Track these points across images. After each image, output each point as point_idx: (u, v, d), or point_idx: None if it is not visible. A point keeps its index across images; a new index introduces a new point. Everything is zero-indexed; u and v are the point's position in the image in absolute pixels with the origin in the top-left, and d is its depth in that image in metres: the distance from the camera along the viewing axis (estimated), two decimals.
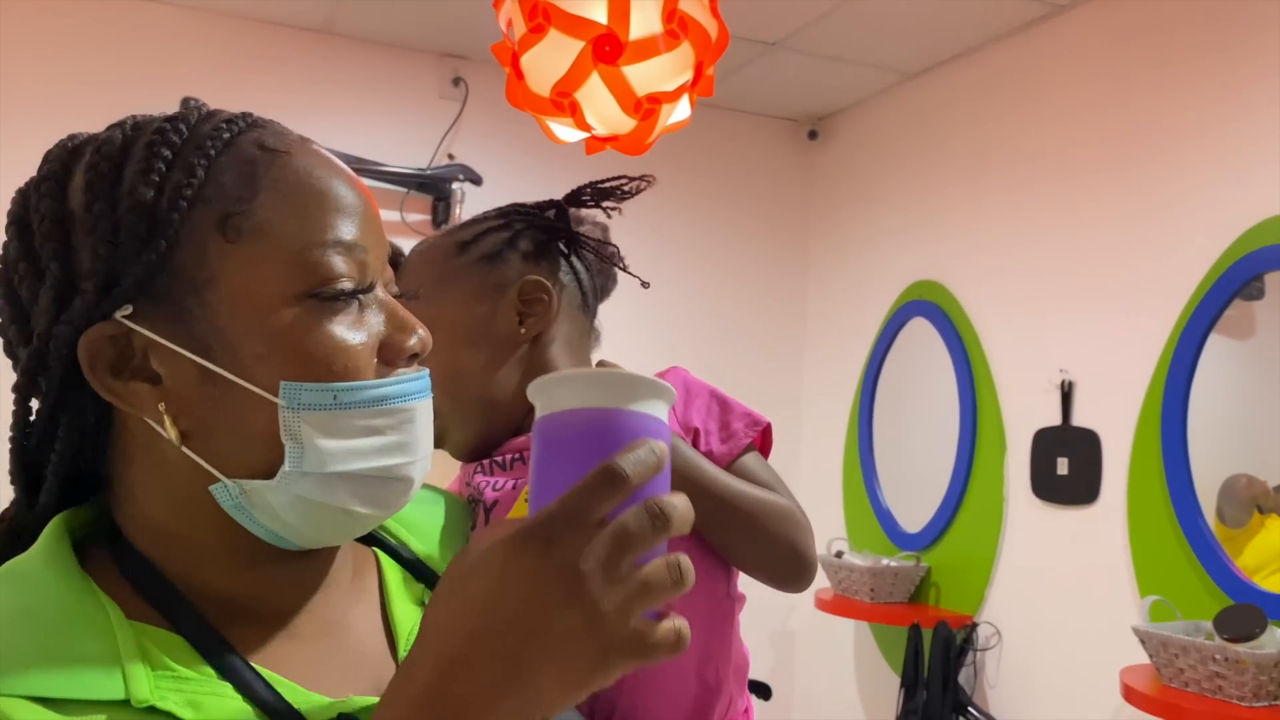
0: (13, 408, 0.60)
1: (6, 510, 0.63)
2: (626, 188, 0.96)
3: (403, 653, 0.64)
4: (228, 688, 0.55)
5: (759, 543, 0.87)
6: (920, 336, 3.25)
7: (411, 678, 0.49)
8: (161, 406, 0.57)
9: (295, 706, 0.56)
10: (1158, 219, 2.52)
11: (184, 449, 0.57)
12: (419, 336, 0.62)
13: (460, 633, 0.48)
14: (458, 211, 3.23)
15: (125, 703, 0.52)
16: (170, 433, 0.57)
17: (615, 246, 0.99)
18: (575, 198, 0.99)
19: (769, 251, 3.82)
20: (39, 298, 0.58)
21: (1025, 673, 2.80)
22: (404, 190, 3.22)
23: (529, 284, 0.91)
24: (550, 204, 1.00)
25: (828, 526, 3.52)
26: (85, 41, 2.93)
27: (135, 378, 0.58)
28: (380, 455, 0.59)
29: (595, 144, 2.01)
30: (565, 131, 1.99)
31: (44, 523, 0.60)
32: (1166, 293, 2.47)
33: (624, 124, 1.92)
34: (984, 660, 2.91)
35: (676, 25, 1.84)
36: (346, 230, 0.61)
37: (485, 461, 0.88)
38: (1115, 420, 2.59)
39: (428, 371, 0.64)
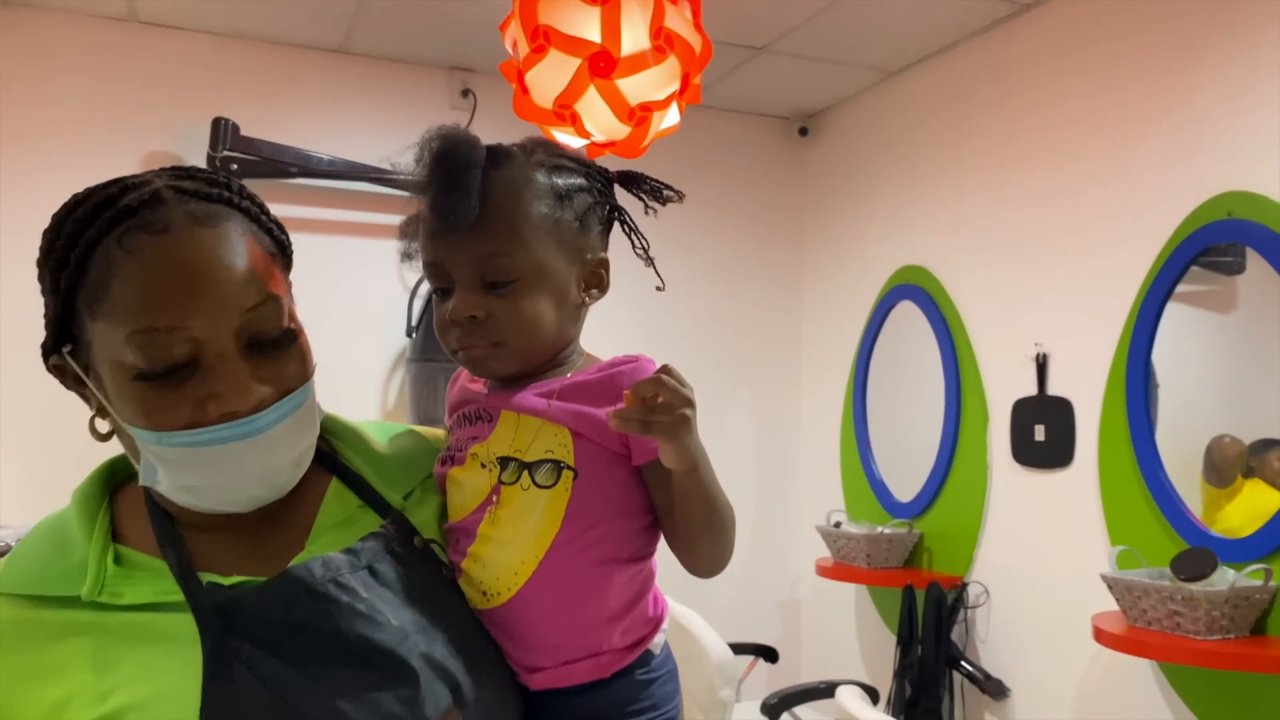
0: None
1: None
2: (667, 193, 1.02)
3: (298, 557, 0.83)
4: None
5: (719, 548, 0.92)
6: (908, 318, 3.46)
7: None
8: (92, 409, 0.83)
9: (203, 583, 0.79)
10: (1118, 200, 2.73)
11: (106, 431, 0.83)
12: (226, 402, 0.77)
13: None
14: None
15: (77, 598, 0.77)
16: (96, 426, 0.83)
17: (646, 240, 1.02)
18: (631, 181, 1.00)
19: (766, 243, 4.03)
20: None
21: (1012, 626, 3.01)
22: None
23: (603, 263, 0.96)
24: (610, 175, 1.01)
25: (827, 499, 3.74)
26: (123, 69, 3.16)
27: (81, 385, 0.82)
28: (207, 475, 0.79)
29: (595, 149, 2.23)
30: (568, 139, 2.20)
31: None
32: (1127, 268, 2.67)
33: (620, 131, 2.14)
34: (974, 617, 3.11)
35: (663, 41, 2.06)
36: (162, 320, 0.75)
37: (461, 413, 0.96)
38: (1086, 388, 2.79)
39: (262, 415, 0.79)
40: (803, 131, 4.03)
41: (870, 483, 3.56)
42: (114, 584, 0.78)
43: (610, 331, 3.67)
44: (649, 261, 1.01)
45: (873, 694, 2.78)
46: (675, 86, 2.13)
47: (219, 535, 0.83)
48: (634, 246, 1.01)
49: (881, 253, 3.61)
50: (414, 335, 3.33)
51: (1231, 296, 2.57)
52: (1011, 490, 3.04)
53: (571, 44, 2.02)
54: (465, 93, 3.54)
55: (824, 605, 3.74)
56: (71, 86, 3.10)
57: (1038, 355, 2.93)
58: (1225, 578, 2.24)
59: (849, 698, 2.08)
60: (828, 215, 3.95)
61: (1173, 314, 2.58)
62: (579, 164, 0.97)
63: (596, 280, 0.97)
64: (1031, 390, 2.95)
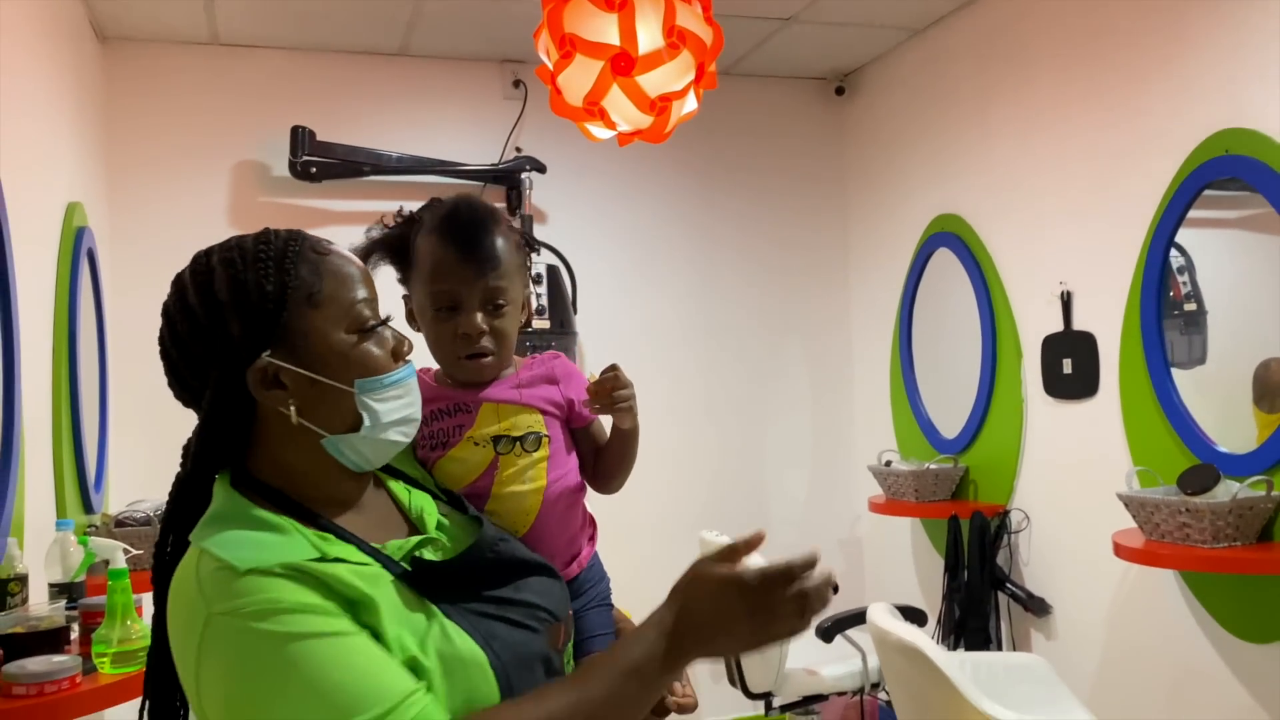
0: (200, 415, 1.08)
1: (179, 474, 1.07)
2: (535, 243, 1.44)
3: (429, 525, 1.11)
4: (349, 546, 1.04)
5: (627, 476, 1.40)
6: (945, 264, 3.65)
7: (661, 621, 0.96)
8: (290, 402, 1.02)
9: (376, 547, 1.05)
10: (1128, 143, 2.88)
11: (303, 422, 1.02)
12: (408, 344, 1.10)
13: (692, 610, 0.95)
14: (528, 197, 3.73)
15: (320, 559, 0.96)
16: (294, 417, 1.02)
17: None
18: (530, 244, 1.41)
19: (811, 200, 4.23)
20: (207, 350, 1.01)
21: (1051, 549, 3.21)
22: (480, 184, 3.75)
23: (530, 296, 1.36)
24: (527, 240, 1.39)
25: (880, 439, 3.96)
26: (211, 88, 3.52)
27: (273, 388, 1.02)
28: (404, 408, 1.07)
29: (624, 138, 2.48)
30: (599, 131, 2.46)
31: (201, 477, 1.05)
32: (1138, 208, 2.83)
33: (644, 121, 2.38)
34: (1016, 542, 3.32)
35: (676, 38, 2.30)
36: (365, 294, 1.06)
37: (435, 409, 1.27)
38: (1106, 321, 2.96)
39: (413, 363, 1.10)
40: (839, 91, 4.21)
41: (918, 421, 3.77)
42: (324, 546, 0.98)
43: (678, 291, 3.93)
44: (534, 247, 1.40)
45: (920, 616, 3.03)
46: (691, 76, 2.37)
47: (351, 519, 1.06)
48: (533, 252, 1.39)
49: (919, 203, 3.79)
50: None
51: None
52: (1045, 421, 3.23)
53: (594, 49, 2.27)
54: (517, 83, 3.81)
55: (881, 538, 3.98)
56: (167, 108, 3.47)
57: (1063, 293, 3.11)
58: (1229, 490, 2.41)
59: (877, 612, 2.34)
60: (867, 170, 4.13)
61: (1222, 238, 2.70)
62: (521, 229, 1.37)
63: (527, 305, 1.34)
64: (1059, 327, 3.13)
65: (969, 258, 3.51)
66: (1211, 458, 2.60)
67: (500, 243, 1.26)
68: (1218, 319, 2.74)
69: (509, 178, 3.75)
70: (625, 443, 1.36)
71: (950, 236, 3.60)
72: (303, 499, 1.03)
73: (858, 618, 3.03)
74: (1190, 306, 2.79)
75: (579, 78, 2.33)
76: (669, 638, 0.95)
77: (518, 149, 3.80)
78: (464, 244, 1.24)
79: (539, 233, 3.76)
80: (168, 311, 1.04)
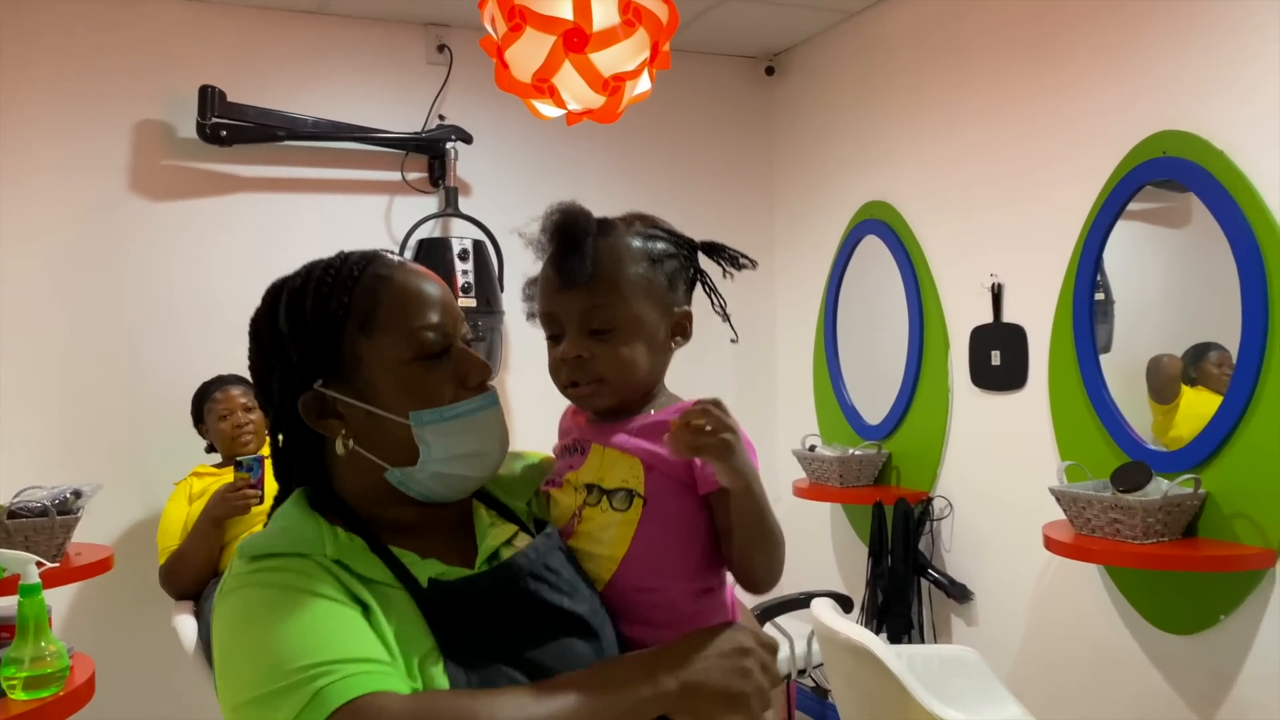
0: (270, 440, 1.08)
1: (277, 496, 1.08)
2: (743, 261, 1.22)
3: (480, 555, 1.03)
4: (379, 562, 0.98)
5: (772, 562, 1.08)
6: (874, 252, 3.64)
7: (649, 653, 0.98)
8: (343, 433, 1.00)
9: (408, 569, 0.98)
10: (1064, 139, 2.90)
11: (359, 450, 1.00)
12: (484, 375, 1.04)
13: (682, 648, 0.97)
14: (453, 168, 3.58)
15: (306, 555, 0.95)
16: (341, 450, 1.00)
17: (724, 300, 1.22)
18: (712, 250, 1.21)
19: (738, 180, 4.18)
20: (273, 375, 1.02)
21: (974, 536, 3.26)
22: (402, 153, 3.59)
23: (687, 315, 1.17)
24: (692, 243, 1.20)
25: (802, 424, 3.97)
26: (111, 41, 3.26)
27: (327, 417, 1.00)
28: (474, 442, 1.02)
29: (574, 117, 2.38)
30: (548, 109, 2.36)
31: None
32: (1073, 204, 2.86)
33: (595, 100, 2.29)
34: (939, 529, 3.37)
35: (632, 15, 2.20)
36: (431, 316, 1.01)
37: (563, 444, 1.17)
38: (1037, 315, 3.00)
39: (493, 390, 1.05)
40: (769, 71, 4.16)
41: (842, 407, 3.78)
42: (348, 555, 0.96)
43: None
44: (725, 318, 1.21)
45: (846, 603, 3.05)
46: (645, 55, 2.28)
47: (410, 542, 1.01)
48: (713, 305, 1.22)
49: (848, 189, 3.78)
50: None
51: (1186, 212, 2.73)
52: (971, 412, 3.27)
53: (546, 22, 2.16)
54: (441, 48, 3.65)
55: (802, 523, 3.99)
56: (61, 61, 3.20)
57: (993, 285, 3.13)
58: (1159, 487, 2.47)
59: (823, 609, 2.32)
60: (796, 153, 4.10)
61: (1130, 231, 2.74)
62: (669, 234, 1.18)
63: (681, 330, 1.17)
64: (988, 318, 3.16)
65: (898, 246, 3.51)
66: (1138, 454, 2.65)
67: (604, 255, 1.09)
68: (1122, 309, 2.81)
69: (432, 147, 3.60)
70: (737, 510, 1.03)
71: (879, 224, 3.60)
72: (371, 521, 1.01)
73: (787, 605, 3.03)
74: (1099, 296, 2.85)
75: (529, 52, 2.22)
76: (651, 658, 0.97)
77: (441, 117, 3.65)
78: (555, 258, 1.10)
79: (464, 205, 3.62)
80: (250, 332, 1.06)
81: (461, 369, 1.02)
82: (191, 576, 2.92)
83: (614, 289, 1.09)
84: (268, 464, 2.91)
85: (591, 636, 1.00)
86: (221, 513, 2.89)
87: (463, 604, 0.95)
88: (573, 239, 1.09)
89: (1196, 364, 2.67)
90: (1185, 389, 2.70)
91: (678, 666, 0.94)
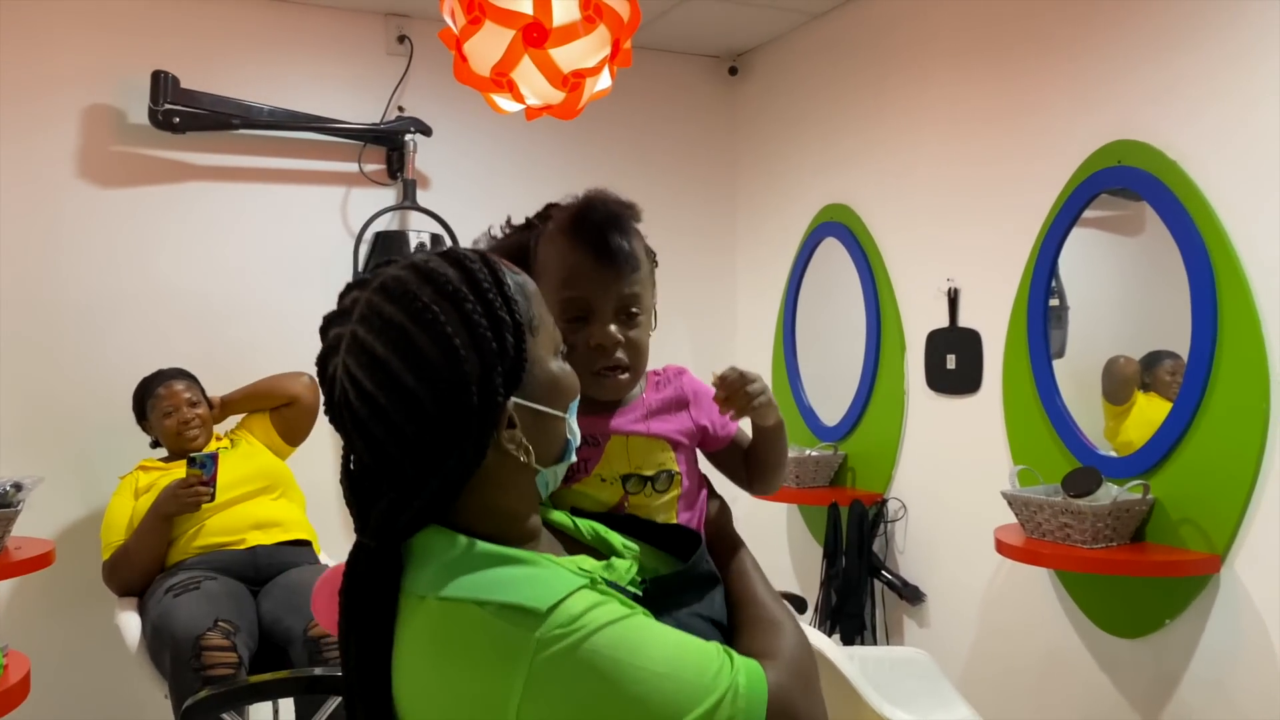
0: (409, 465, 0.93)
1: (361, 546, 0.92)
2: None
3: (627, 555, 1.06)
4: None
5: (784, 471, 1.29)
6: (833, 254, 3.65)
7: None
8: (521, 438, 0.92)
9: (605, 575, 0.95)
10: (1022, 147, 2.92)
11: (527, 457, 0.92)
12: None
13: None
14: (411, 160, 3.54)
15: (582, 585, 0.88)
16: (525, 458, 0.92)
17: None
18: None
19: (700, 181, 4.17)
20: (447, 406, 0.87)
21: (927, 539, 3.28)
22: (360, 144, 3.54)
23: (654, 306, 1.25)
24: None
25: None
26: (60, 22, 3.18)
27: (508, 427, 0.91)
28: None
29: (533, 112, 2.36)
30: (506, 103, 2.33)
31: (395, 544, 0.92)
32: (1029, 211, 2.88)
33: (555, 96, 2.27)
34: (893, 530, 3.38)
35: (593, 11, 2.18)
36: (554, 307, 1.02)
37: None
38: (992, 320, 3.02)
39: None
40: (732, 71, 4.15)
41: (799, 408, 3.79)
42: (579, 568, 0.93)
43: None
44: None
45: (800, 603, 3.06)
46: (606, 53, 2.26)
47: (552, 549, 1.01)
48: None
49: (809, 190, 3.78)
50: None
51: (1140, 220, 2.77)
52: (926, 415, 3.29)
53: (506, 16, 2.14)
54: (401, 39, 3.60)
55: (757, 523, 3.99)
56: (8, 40, 3.12)
57: (949, 290, 3.15)
58: (1109, 493, 2.50)
59: None
60: (758, 153, 4.10)
61: (1085, 238, 2.77)
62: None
63: (655, 321, 1.23)
64: (944, 322, 3.18)
65: (857, 249, 3.52)
66: (1090, 459, 2.68)
67: (638, 245, 1.15)
68: (1077, 315, 2.84)
69: (390, 139, 3.55)
70: (772, 440, 1.23)
71: (839, 226, 3.61)
72: (511, 540, 0.93)
73: None
74: (1054, 302, 2.87)
75: (487, 46, 2.19)
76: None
77: (400, 108, 3.60)
78: (600, 244, 1.10)
79: (422, 198, 3.58)
80: (377, 373, 0.88)
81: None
82: (137, 573, 2.86)
83: (640, 277, 1.14)
84: (221, 461, 2.86)
85: (719, 585, 1.10)
86: (172, 509, 2.82)
87: (671, 594, 1.00)
88: (621, 224, 1.13)
89: (1150, 370, 2.70)
90: (1139, 394, 2.74)
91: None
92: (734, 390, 1.14)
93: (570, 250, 1.12)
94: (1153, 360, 2.68)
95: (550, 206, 1.19)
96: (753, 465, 1.26)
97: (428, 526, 0.91)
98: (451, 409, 0.87)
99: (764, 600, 1.08)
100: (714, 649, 0.90)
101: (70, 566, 2.97)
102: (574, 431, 0.99)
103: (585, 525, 1.08)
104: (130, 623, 2.75)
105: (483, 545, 0.89)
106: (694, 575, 1.05)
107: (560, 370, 0.97)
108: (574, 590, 0.86)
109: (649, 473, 1.14)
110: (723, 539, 1.17)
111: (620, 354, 1.13)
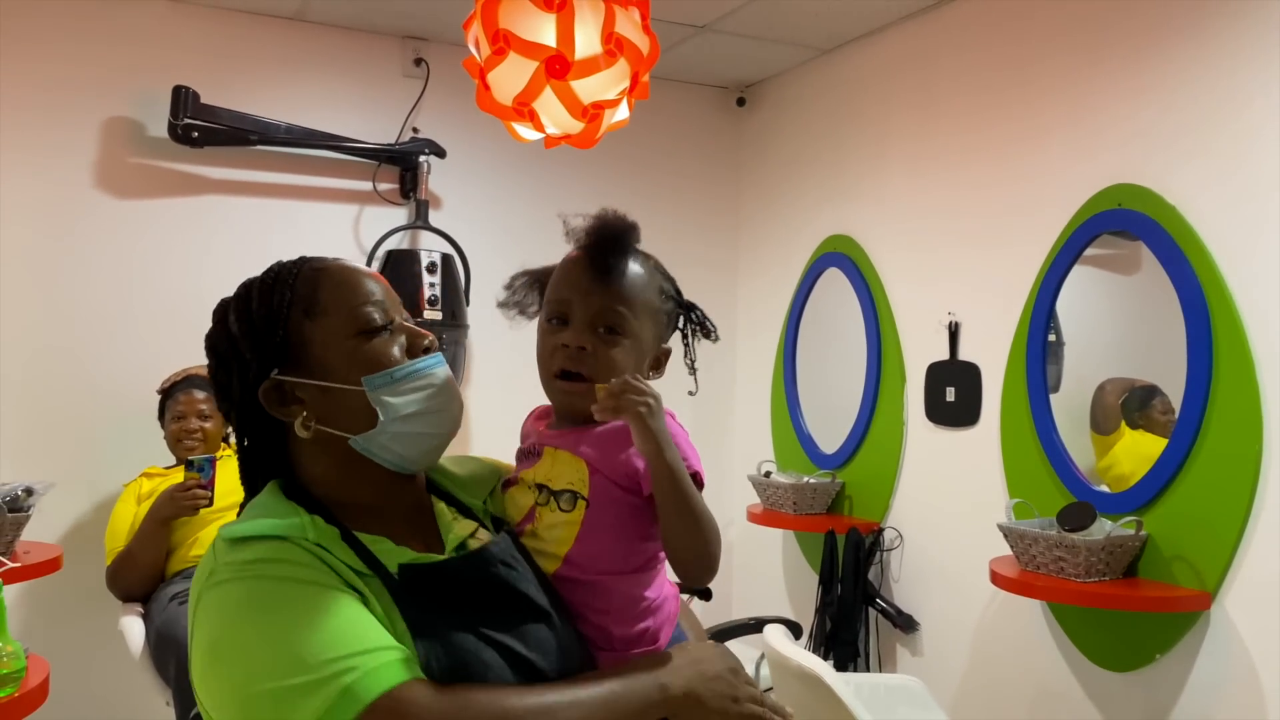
0: (233, 436, 1.14)
1: (246, 494, 1.12)
2: (711, 329, 1.31)
3: (448, 545, 1.09)
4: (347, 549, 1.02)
5: (699, 543, 1.11)
6: (835, 285, 3.71)
7: (650, 659, 1.08)
8: (304, 414, 1.06)
9: (376, 554, 1.01)
10: (1024, 187, 2.99)
11: (322, 428, 1.06)
12: (429, 340, 1.12)
13: (684, 664, 1.07)
14: (425, 181, 3.60)
15: (286, 537, 0.99)
16: (302, 431, 1.06)
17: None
18: (693, 309, 1.30)
19: (705, 209, 4.24)
20: (232, 378, 1.08)
21: (922, 568, 3.33)
22: (375, 163, 3.60)
23: (667, 353, 1.27)
24: (688, 302, 1.29)
25: (758, 450, 4.02)
26: (84, 35, 3.24)
27: (287, 404, 1.07)
28: (426, 400, 1.09)
29: (552, 140, 2.42)
30: (527, 131, 2.39)
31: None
32: (1030, 250, 2.94)
33: (574, 126, 2.32)
34: (889, 559, 3.43)
35: (614, 45, 2.24)
36: (371, 294, 1.09)
37: (522, 448, 1.23)
38: (992, 354, 3.08)
39: (440, 355, 1.13)
40: (740, 102, 4.23)
41: (798, 436, 3.84)
42: (327, 541, 1.01)
43: None
44: (693, 371, 1.29)
45: (795, 629, 3.09)
46: (625, 85, 2.32)
47: (378, 528, 1.06)
48: (685, 355, 1.31)
49: (812, 221, 3.85)
50: None
51: (1136, 259, 2.83)
52: (924, 445, 3.34)
53: (529, 48, 2.20)
54: (418, 62, 3.67)
55: (754, 548, 4.04)
56: (34, 50, 3.18)
57: (950, 323, 3.21)
58: (1103, 528, 2.55)
59: (775, 635, 2.36)
60: (763, 183, 4.17)
61: (1082, 276, 2.83)
62: (674, 284, 1.28)
63: (658, 364, 1.26)
64: (944, 355, 3.24)
65: (859, 280, 3.58)
66: (1084, 494, 2.73)
67: (633, 268, 1.18)
68: (1072, 350, 2.90)
69: (405, 159, 3.61)
70: (658, 485, 1.08)
71: (841, 257, 3.67)
72: (337, 507, 1.06)
73: (738, 629, 3.06)
74: (1051, 337, 2.93)
75: (511, 76, 2.25)
76: (656, 662, 1.07)
77: (415, 130, 3.66)
78: (591, 254, 1.16)
79: (434, 219, 3.64)
80: (206, 347, 1.11)
81: (408, 338, 1.10)
82: (138, 578, 2.89)
83: (631, 300, 1.17)
84: (220, 465, 2.90)
85: (551, 623, 1.06)
86: (169, 513, 2.84)
87: (433, 588, 1.01)
88: (618, 241, 1.17)
89: (1141, 408, 2.76)
90: (1127, 429, 2.79)
91: (680, 675, 1.04)
92: (608, 389, 1.07)
93: (568, 257, 1.20)
94: (1145, 397, 2.73)
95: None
96: (660, 526, 1.11)
97: (270, 482, 1.08)
98: (229, 379, 1.08)
99: (561, 688, 0.99)
100: (368, 640, 0.91)
101: (77, 571, 3.00)
102: (386, 404, 1.06)
103: (457, 530, 1.12)
104: (134, 628, 2.78)
105: (276, 496, 1.05)
106: (452, 572, 1.03)
107: (354, 348, 1.06)
108: (267, 537, 0.98)
109: (557, 488, 1.14)
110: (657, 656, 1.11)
111: (580, 363, 1.14)
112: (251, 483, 1.12)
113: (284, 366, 1.06)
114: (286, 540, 0.98)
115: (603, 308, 1.15)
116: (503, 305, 1.26)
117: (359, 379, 1.06)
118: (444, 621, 0.98)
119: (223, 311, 1.11)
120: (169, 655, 2.61)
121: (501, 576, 1.05)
